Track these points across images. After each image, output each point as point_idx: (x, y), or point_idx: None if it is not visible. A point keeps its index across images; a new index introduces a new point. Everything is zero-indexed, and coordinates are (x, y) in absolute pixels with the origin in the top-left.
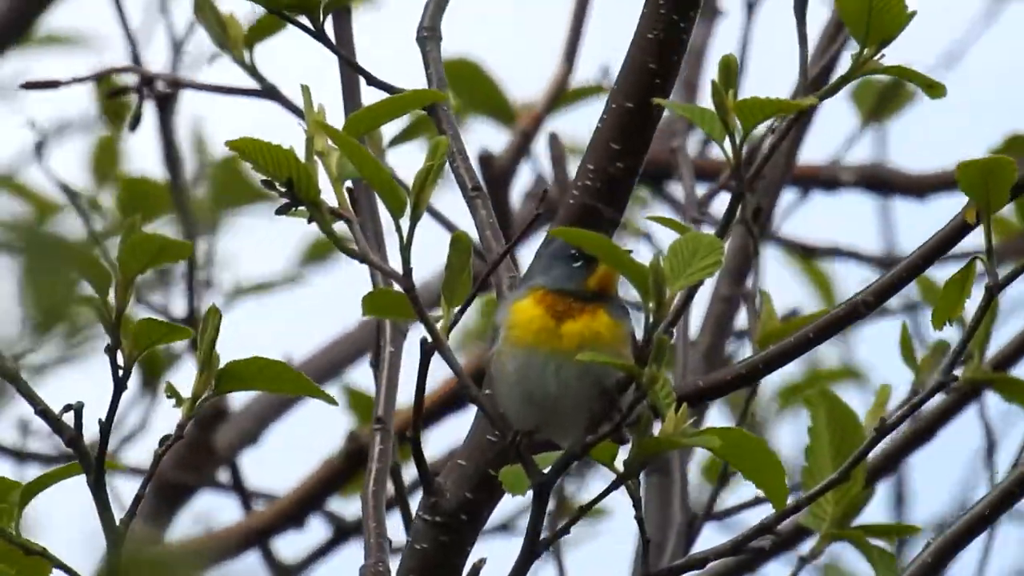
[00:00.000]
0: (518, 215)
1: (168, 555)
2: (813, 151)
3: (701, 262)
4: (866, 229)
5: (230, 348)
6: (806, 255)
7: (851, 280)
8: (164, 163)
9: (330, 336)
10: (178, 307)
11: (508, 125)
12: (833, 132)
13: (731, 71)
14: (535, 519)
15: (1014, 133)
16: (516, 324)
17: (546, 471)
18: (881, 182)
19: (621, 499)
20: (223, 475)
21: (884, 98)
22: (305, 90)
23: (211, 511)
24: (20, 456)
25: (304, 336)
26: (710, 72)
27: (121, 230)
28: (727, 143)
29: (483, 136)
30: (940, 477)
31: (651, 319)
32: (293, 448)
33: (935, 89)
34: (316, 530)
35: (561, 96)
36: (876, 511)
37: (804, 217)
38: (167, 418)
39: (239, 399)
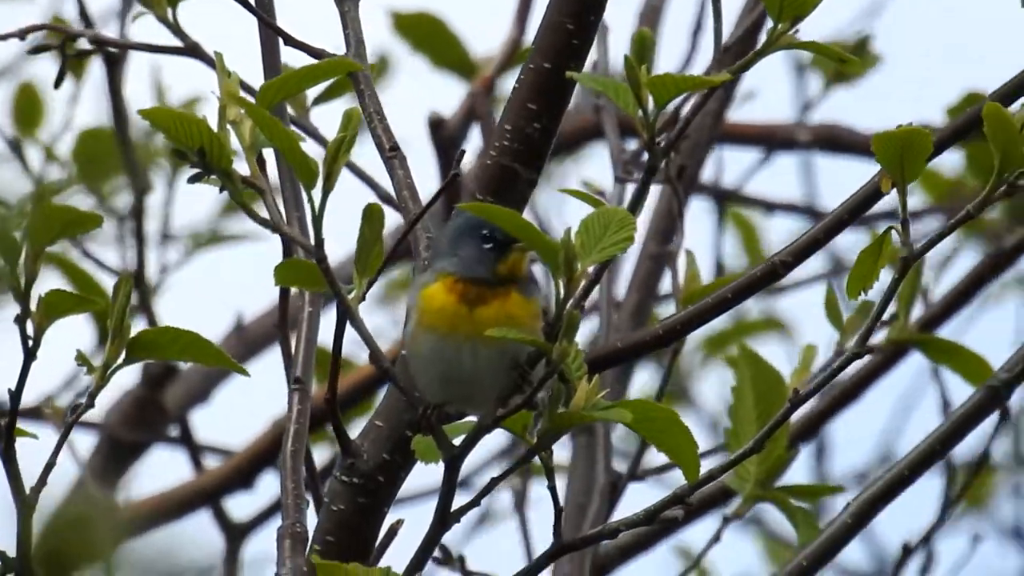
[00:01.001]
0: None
1: (85, 522)
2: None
3: (613, 237)
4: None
5: (188, 302)
6: (766, 211)
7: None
8: (112, 119)
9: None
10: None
11: (470, 80)
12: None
13: (645, 46)
14: (446, 491)
15: (971, 91)
16: (428, 310)
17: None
18: (837, 142)
19: None
20: (173, 431)
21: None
22: (219, 57)
23: (162, 468)
24: None
25: (261, 290)
26: (669, 27)
27: (37, 196)
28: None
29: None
30: (861, 431)
31: (562, 294)
32: (243, 406)
33: (848, 64)
34: (266, 490)
35: (513, 59)
36: (799, 469)
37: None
38: (129, 374)
39: None
